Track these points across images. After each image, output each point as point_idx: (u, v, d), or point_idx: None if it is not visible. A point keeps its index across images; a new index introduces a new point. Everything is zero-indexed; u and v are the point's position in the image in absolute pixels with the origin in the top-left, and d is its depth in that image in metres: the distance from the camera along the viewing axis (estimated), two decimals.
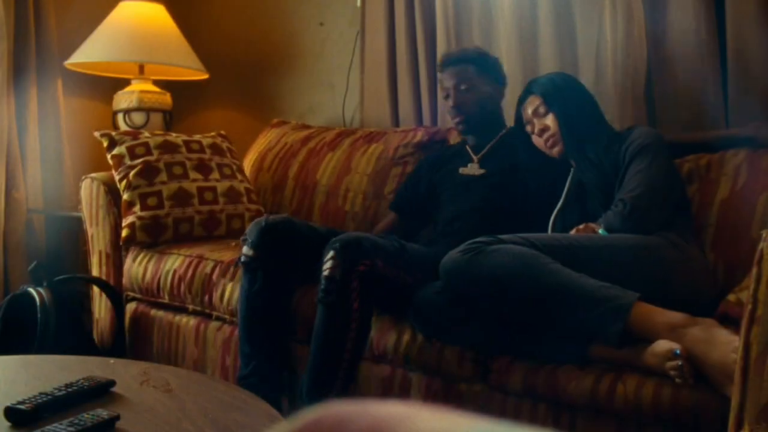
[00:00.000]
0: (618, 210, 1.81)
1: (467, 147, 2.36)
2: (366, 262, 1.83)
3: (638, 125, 2.06)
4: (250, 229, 2.03)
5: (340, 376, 1.85)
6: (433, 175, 2.38)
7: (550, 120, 2.02)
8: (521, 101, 2.11)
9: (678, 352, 1.45)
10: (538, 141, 2.07)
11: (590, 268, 1.66)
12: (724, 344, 1.43)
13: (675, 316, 1.53)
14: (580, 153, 1.98)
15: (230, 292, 2.20)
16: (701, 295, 1.80)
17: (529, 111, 2.06)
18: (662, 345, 1.49)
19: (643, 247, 1.77)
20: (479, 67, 2.28)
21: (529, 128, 2.08)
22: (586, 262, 1.68)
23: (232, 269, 2.22)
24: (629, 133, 1.96)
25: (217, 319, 2.26)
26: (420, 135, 2.64)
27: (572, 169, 2.04)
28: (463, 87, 2.25)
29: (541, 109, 2.03)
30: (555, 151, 2.04)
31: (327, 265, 1.83)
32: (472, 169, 2.30)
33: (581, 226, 1.83)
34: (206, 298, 2.26)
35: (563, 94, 2.04)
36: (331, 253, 1.83)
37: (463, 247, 1.72)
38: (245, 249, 2.02)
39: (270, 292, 2.01)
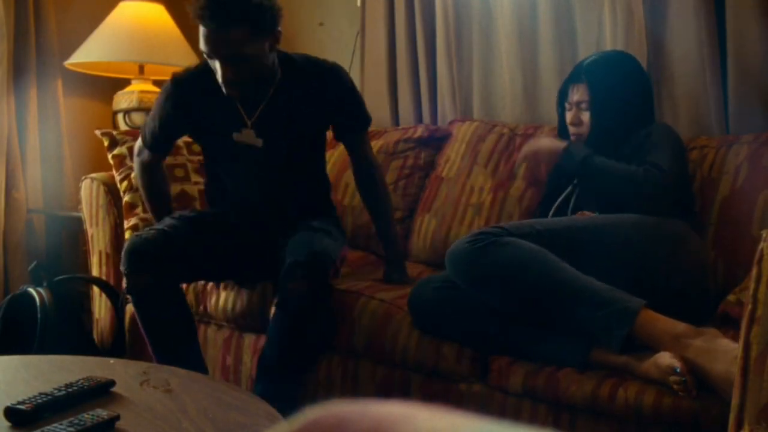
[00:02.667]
0: (649, 171, 1.79)
1: (236, 101, 2.02)
2: (330, 271, 1.91)
3: (649, 119, 2.03)
4: (132, 260, 1.89)
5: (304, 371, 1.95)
6: (197, 121, 2.08)
7: (585, 119, 1.98)
8: (573, 79, 2.02)
9: (678, 370, 1.45)
10: (569, 121, 2.03)
11: (596, 248, 1.66)
12: (726, 353, 1.43)
13: (679, 327, 1.52)
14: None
15: (224, 299, 2.19)
16: (706, 275, 1.80)
17: (575, 97, 2.00)
18: (665, 359, 1.49)
19: (646, 223, 1.77)
20: (254, 27, 1.86)
21: (567, 106, 2.04)
22: (592, 242, 1.69)
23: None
24: (647, 127, 1.95)
25: (216, 325, 2.26)
26: (420, 131, 2.65)
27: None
28: (239, 58, 1.86)
29: (584, 105, 1.98)
30: None
31: (296, 284, 1.83)
32: (248, 137, 2.03)
33: (577, 215, 1.84)
34: (201, 308, 2.25)
35: (611, 99, 1.96)
36: (299, 273, 1.83)
37: (470, 237, 1.72)
38: (136, 279, 1.90)
39: (181, 309, 2.01)
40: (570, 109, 2.02)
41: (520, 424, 0.33)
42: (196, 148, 2.65)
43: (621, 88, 1.98)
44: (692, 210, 1.96)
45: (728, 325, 1.63)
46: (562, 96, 2.07)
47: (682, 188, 1.90)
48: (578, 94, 1.99)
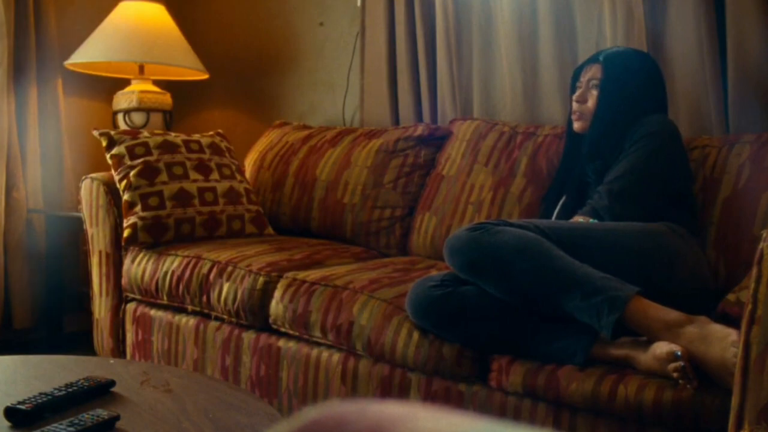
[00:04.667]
0: (599, 203, 1.84)
1: None
2: None
3: (653, 113, 2.01)
4: None
5: None
6: None
7: (592, 98, 2.00)
8: (588, 61, 2.05)
9: (679, 354, 1.45)
10: (575, 98, 2.04)
11: (595, 253, 1.66)
12: (721, 339, 1.43)
13: (671, 314, 1.52)
14: (594, 148, 1.98)
15: (227, 291, 2.20)
16: (704, 284, 1.80)
17: (587, 75, 2.02)
18: (662, 347, 1.48)
19: (646, 233, 1.77)
20: None
21: (577, 85, 2.05)
22: (591, 247, 1.69)
23: None
24: (642, 120, 1.95)
25: (216, 318, 2.26)
26: (420, 129, 2.66)
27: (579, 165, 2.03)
28: None
29: (594, 82, 2.00)
30: (576, 126, 2.04)
31: None
32: None
33: (575, 219, 1.84)
34: (204, 298, 2.26)
35: (622, 83, 1.98)
36: None
37: (469, 225, 1.74)
38: None
39: None
40: (580, 84, 2.04)
41: (520, 424, 0.33)
42: (194, 146, 2.65)
43: (633, 77, 1.99)
44: (693, 211, 1.95)
45: (727, 324, 1.63)
46: (574, 80, 2.08)
47: (659, 180, 1.89)
48: (591, 72, 2.02)
